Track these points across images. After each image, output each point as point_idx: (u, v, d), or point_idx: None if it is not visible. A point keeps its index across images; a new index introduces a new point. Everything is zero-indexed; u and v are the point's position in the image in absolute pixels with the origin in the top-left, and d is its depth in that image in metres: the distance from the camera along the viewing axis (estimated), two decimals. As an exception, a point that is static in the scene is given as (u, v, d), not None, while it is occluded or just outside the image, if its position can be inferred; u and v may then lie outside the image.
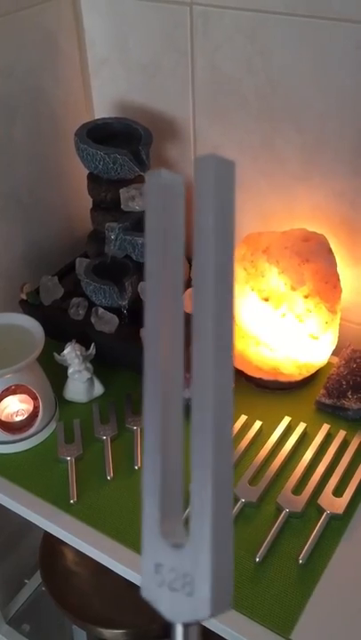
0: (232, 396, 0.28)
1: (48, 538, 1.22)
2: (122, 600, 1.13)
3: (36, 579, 1.48)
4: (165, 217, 0.28)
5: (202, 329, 0.27)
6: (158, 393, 0.29)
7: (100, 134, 1.03)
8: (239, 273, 0.93)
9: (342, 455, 0.90)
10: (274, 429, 0.94)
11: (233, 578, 0.28)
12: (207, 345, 0.27)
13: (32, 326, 0.94)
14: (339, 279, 0.94)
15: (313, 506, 0.84)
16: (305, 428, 0.94)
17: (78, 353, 0.97)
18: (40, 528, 0.89)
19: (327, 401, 0.96)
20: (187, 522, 0.28)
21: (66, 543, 0.86)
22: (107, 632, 1.11)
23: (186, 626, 0.28)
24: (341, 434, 0.93)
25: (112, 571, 0.82)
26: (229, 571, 0.27)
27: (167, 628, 0.29)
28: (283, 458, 0.90)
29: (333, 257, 0.93)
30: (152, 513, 0.29)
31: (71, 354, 0.97)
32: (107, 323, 1.02)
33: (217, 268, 0.27)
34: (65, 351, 0.98)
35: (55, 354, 0.98)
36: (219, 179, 0.26)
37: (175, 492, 0.29)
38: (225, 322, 0.27)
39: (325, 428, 0.94)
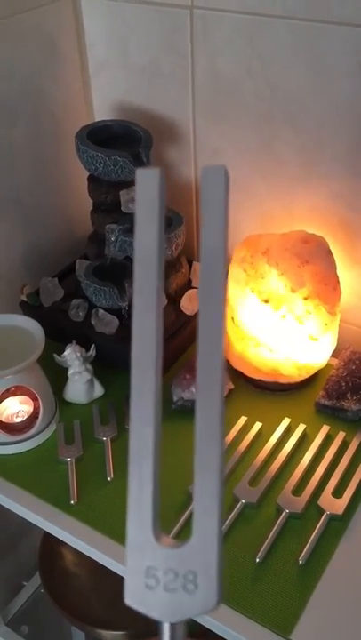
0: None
1: (47, 539, 1.22)
2: (121, 601, 1.11)
3: (36, 580, 1.48)
4: (159, 213, 0.29)
5: (210, 329, 0.28)
6: (151, 393, 0.29)
7: (101, 136, 1.03)
8: (239, 275, 0.93)
9: (342, 456, 0.90)
10: (274, 431, 0.94)
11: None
12: (216, 346, 0.28)
13: (32, 327, 0.95)
14: (338, 281, 0.94)
15: (313, 507, 0.84)
16: (305, 430, 0.94)
17: (78, 354, 0.98)
18: (40, 529, 0.89)
19: (327, 402, 0.96)
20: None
21: (65, 544, 0.86)
22: (106, 633, 1.11)
23: (172, 624, 0.29)
24: (341, 435, 0.93)
25: (111, 572, 0.82)
26: (222, 565, 0.28)
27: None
28: (283, 459, 0.90)
29: (333, 259, 0.94)
30: (144, 519, 0.29)
31: (71, 355, 0.98)
32: (107, 324, 1.02)
33: (225, 269, 0.29)
34: (65, 352, 0.98)
35: (55, 355, 0.98)
36: (226, 188, 0.28)
37: (159, 496, 0.29)
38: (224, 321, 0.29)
39: (325, 429, 0.94)
